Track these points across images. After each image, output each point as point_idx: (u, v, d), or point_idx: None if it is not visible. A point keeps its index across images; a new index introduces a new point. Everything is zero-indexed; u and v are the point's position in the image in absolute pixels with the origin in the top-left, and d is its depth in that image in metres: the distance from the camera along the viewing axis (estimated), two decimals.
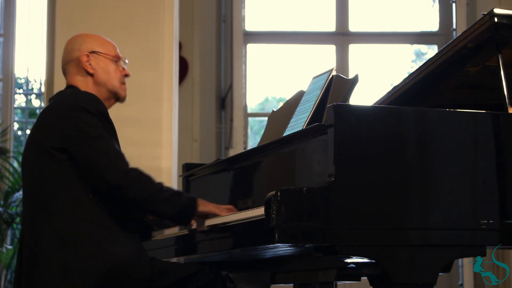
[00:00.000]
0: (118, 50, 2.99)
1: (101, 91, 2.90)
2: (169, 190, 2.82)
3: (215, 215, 2.88)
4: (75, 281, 2.63)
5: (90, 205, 2.72)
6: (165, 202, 2.78)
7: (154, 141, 4.90)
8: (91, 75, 2.89)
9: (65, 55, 2.96)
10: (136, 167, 2.77)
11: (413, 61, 7.84)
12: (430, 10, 7.55)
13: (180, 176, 3.64)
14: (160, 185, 2.80)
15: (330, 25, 7.41)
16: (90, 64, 2.89)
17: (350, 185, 2.45)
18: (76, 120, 2.73)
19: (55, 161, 2.72)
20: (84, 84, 2.89)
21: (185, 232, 3.05)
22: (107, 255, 2.67)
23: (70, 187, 2.72)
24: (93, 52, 2.91)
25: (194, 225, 3.00)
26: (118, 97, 2.96)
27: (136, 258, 2.73)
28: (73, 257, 2.65)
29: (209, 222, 2.89)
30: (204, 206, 2.88)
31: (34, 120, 3.36)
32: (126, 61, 3.01)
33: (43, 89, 6.96)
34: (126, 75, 2.98)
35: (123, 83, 2.97)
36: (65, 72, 2.96)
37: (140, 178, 2.75)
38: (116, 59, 2.96)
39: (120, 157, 2.74)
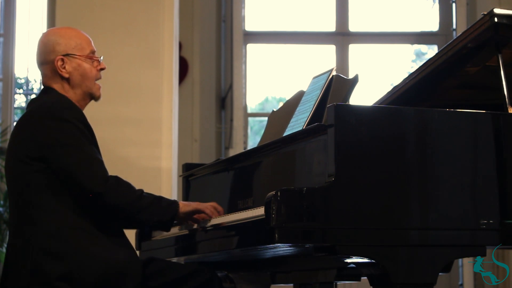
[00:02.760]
0: (92, 44, 2.97)
1: (77, 93, 2.91)
2: (149, 196, 2.81)
3: (199, 213, 2.89)
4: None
5: (74, 211, 2.71)
6: (145, 209, 2.78)
7: (154, 141, 4.90)
8: (67, 79, 2.89)
9: (39, 55, 2.95)
10: (115, 175, 2.76)
11: (413, 61, 7.83)
12: (430, 10, 7.55)
13: (180, 176, 3.64)
14: (140, 191, 2.79)
15: (330, 25, 7.41)
16: (64, 68, 2.88)
17: (350, 185, 2.45)
18: (52, 130, 2.73)
19: (34, 171, 2.72)
20: (60, 87, 2.89)
21: (185, 232, 3.05)
22: (95, 261, 2.66)
23: (52, 194, 2.71)
24: (68, 55, 2.90)
25: (194, 225, 3.00)
26: (93, 97, 2.96)
27: (125, 262, 2.71)
28: (59, 264, 2.63)
29: (209, 222, 2.89)
30: (186, 206, 2.89)
31: None
32: (101, 58, 2.99)
33: None
34: (102, 69, 2.97)
35: (99, 78, 2.96)
36: (41, 72, 2.95)
37: (119, 185, 2.74)
38: (91, 55, 2.94)
39: (98, 165, 2.74)
